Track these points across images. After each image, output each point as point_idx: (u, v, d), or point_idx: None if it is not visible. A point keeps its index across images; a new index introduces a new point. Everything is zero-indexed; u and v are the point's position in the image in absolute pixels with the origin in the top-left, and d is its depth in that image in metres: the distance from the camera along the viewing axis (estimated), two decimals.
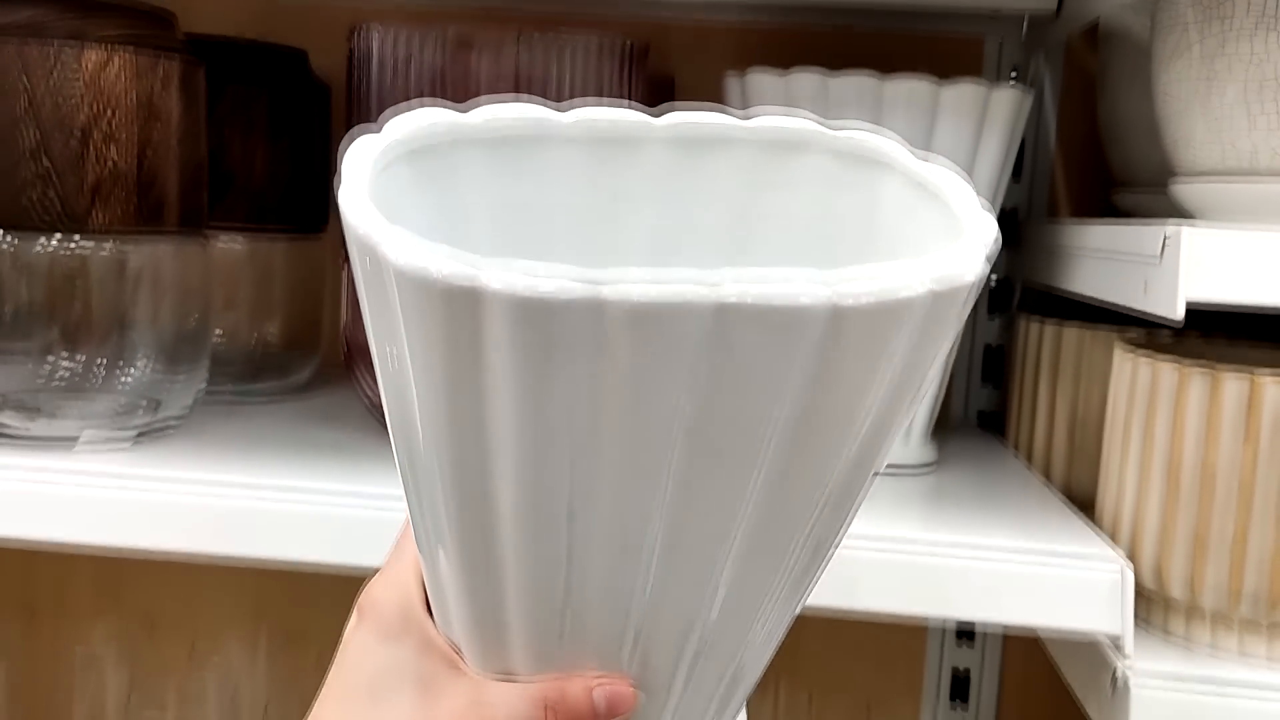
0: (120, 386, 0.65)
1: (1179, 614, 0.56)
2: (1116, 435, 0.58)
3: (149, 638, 0.93)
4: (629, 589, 0.31)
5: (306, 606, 0.95)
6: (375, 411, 0.67)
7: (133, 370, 0.66)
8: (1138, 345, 0.59)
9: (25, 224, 0.60)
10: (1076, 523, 0.59)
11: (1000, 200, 0.66)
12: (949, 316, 0.29)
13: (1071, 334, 0.72)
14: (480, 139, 0.35)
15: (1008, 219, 0.85)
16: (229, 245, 0.77)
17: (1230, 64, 0.53)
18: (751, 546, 0.31)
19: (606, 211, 0.38)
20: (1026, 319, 0.77)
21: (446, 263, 0.25)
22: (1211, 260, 0.48)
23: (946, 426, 0.86)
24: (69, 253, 0.62)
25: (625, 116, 0.37)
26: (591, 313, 0.25)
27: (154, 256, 0.66)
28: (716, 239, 0.38)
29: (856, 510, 0.33)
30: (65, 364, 0.65)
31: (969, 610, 0.52)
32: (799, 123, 0.37)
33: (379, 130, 0.33)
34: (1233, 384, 0.52)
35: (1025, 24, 0.82)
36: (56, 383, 0.64)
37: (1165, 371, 0.54)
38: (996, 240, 0.30)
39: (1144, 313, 0.52)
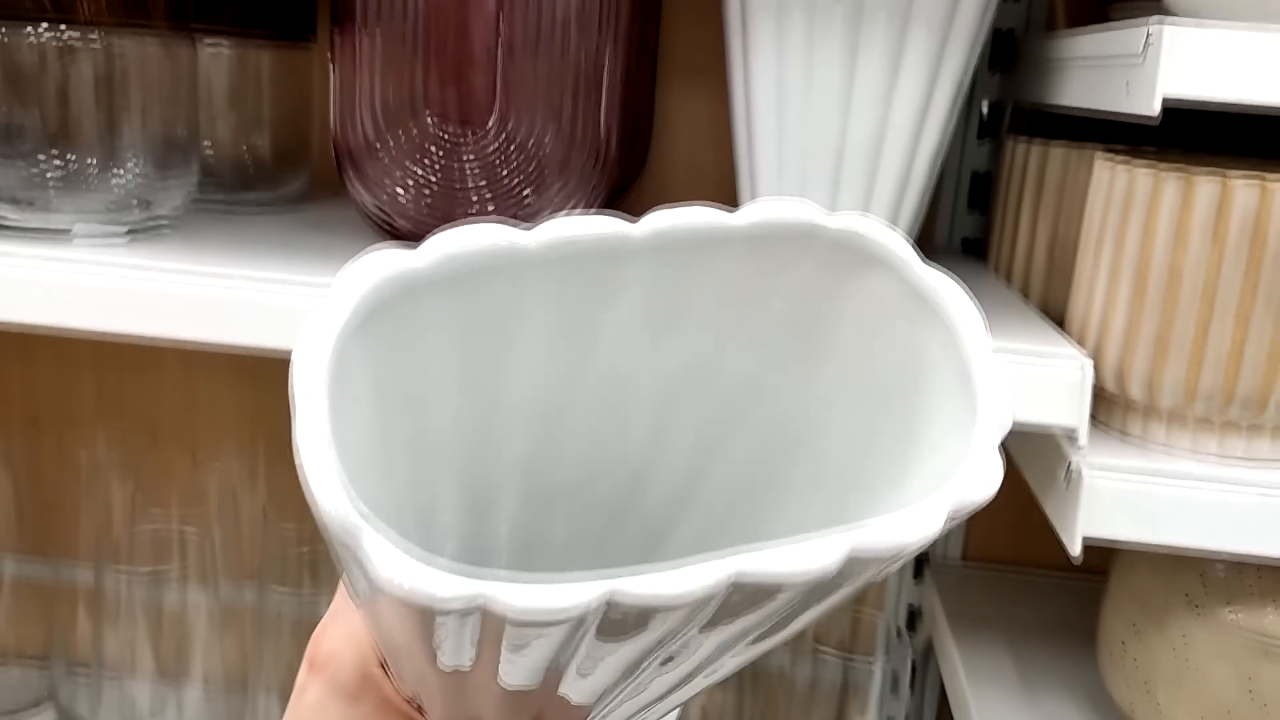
0: (112, 186, 0.66)
1: (1137, 415, 0.58)
2: (1090, 243, 0.59)
3: (151, 446, 0.96)
4: None
5: None
6: (367, 218, 0.68)
7: (123, 171, 0.67)
8: (1119, 156, 0.59)
9: (12, 10, 0.60)
10: (1043, 327, 0.60)
11: (990, 20, 0.65)
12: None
13: (1058, 153, 0.72)
14: (435, 281, 0.31)
15: (1004, 39, 0.84)
16: (215, 51, 0.77)
17: None
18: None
19: (581, 313, 0.34)
20: (1014, 140, 0.77)
21: (439, 584, 0.23)
22: (1192, 57, 0.48)
23: (929, 253, 0.86)
24: (59, 44, 0.62)
25: (600, 229, 0.32)
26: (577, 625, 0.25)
27: (141, 55, 0.66)
28: (693, 329, 0.35)
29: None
30: (57, 162, 0.66)
31: None
32: (796, 212, 0.33)
33: None
34: (1205, 187, 0.53)
35: None
36: (50, 180, 0.65)
37: (1141, 177, 0.55)
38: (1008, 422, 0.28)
39: (1126, 115, 0.53)
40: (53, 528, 0.99)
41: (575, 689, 0.29)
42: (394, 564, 0.23)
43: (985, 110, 0.86)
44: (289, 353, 0.28)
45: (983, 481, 0.26)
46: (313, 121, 0.84)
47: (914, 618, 0.95)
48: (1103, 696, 0.72)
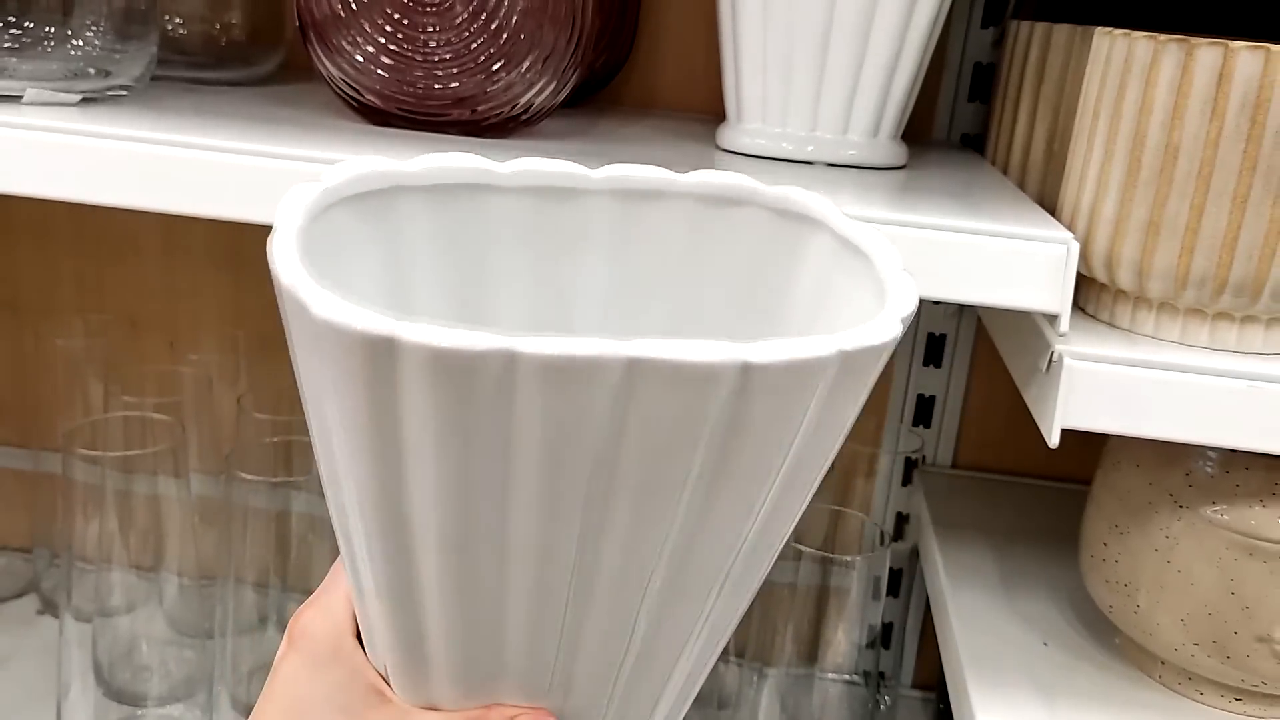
0: (69, 53, 0.63)
1: (1126, 304, 0.56)
2: (1085, 120, 0.56)
3: (129, 335, 0.95)
4: (550, 628, 0.33)
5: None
6: (335, 92, 0.65)
7: (80, 41, 0.64)
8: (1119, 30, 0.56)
9: None
10: (1029, 210, 0.58)
11: None
12: (863, 372, 0.31)
13: (1061, 35, 0.69)
14: (420, 185, 0.37)
15: None
16: None
17: None
18: (669, 590, 0.33)
19: (552, 255, 0.39)
20: (1017, 24, 0.73)
21: (366, 317, 0.26)
22: None
23: (926, 148, 0.83)
24: None
25: (564, 168, 0.39)
26: (505, 365, 0.26)
27: None
28: (662, 286, 0.41)
29: (774, 556, 0.35)
30: (14, 31, 0.63)
31: (923, 288, 0.52)
32: (736, 178, 0.39)
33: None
34: (1206, 55, 0.49)
35: None
36: (6, 46, 0.62)
37: (1140, 45, 0.52)
38: (914, 307, 0.32)
39: None
40: (34, 416, 0.98)
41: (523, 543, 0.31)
42: (326, 302, 0.26)
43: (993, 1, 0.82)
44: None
45: (884, 329, 0.30)
46: (288, 2, 0.81)
47: (902, 525, 0.94)
48: (1082, 599, 0.70)
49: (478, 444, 0.28)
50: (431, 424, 0.27)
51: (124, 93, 0.65)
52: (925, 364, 0.90)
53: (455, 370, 0.26)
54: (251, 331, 0.95)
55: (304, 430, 0.81)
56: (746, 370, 0.27)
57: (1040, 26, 0.70)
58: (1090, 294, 0.58)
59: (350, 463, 0.30)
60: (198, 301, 0.97)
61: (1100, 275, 0.55)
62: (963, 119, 0.85)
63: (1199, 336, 0.54)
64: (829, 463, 0.35)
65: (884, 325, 0.30)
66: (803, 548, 0.82)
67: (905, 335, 0.89)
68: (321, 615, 0.37)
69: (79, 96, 0.61)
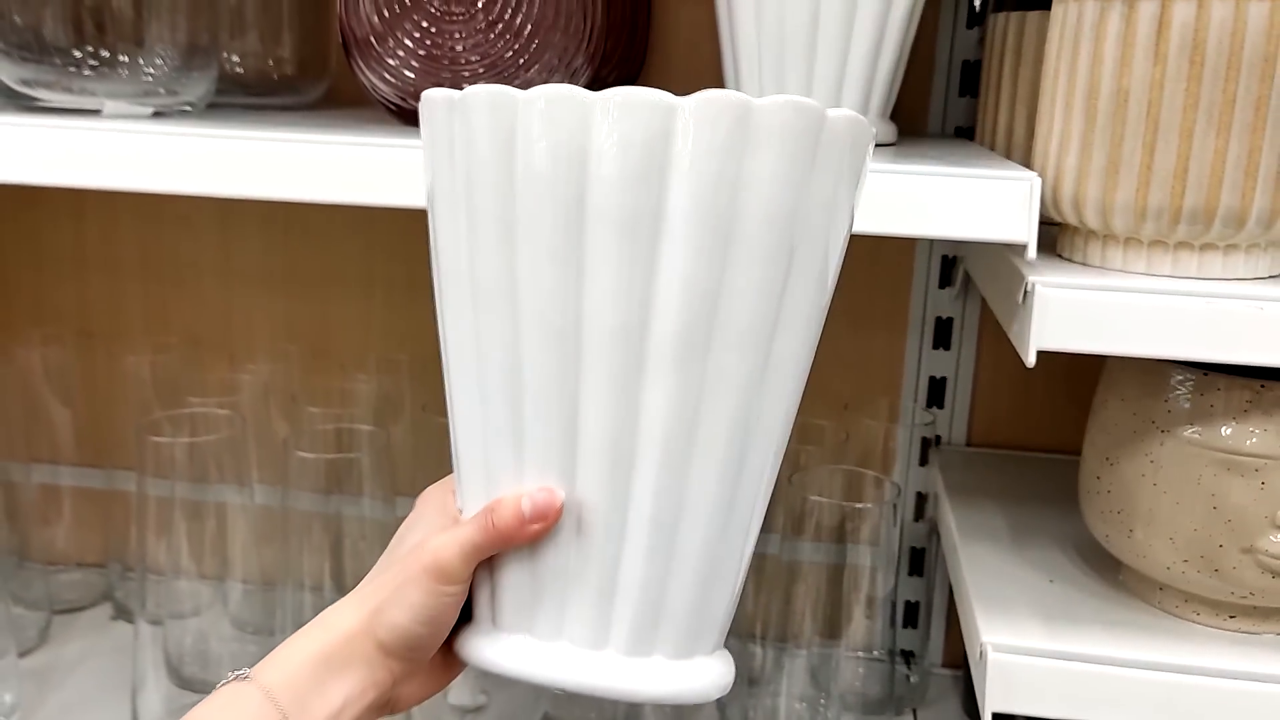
0: (142, 78, 0.71)
1: (1096, 243, 0.61)
2: (1048, 82, 0.62)
3: (192, 355, 1.03)
4: (554, 397, 0.42)
5: (333, 327, 1.03)
6: (377, 100, 0.73)
7: (151, 68, 0.72)
8: None
9: None
10: (1004, 162, 0.63)
11: None
12: (796, 132, 0.39)
13: (1034, 20, 0.75)
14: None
15: None
16: None
17: None
18: (675, 353, 0.41)
19: None
20: (995, 17, 0.80)
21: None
22: None
23: (921, 136, 0.89)
24: None
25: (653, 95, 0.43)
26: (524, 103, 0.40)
27: None
28: None
29: (793, 380, 0.46)
30: (92, 61, 0.71)
31: (904, 226, 0.57)
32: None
33: None
34: (1146, 6, 0.55)
35: None
36: (86, 73, 0.70)
37: (1089, 6, 0.58)
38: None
39: None
40: (107, 437, 1.06)
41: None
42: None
43: (976, 3, 0.88)
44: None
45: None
46: (332, 37, 0.89)
47: (922, 505, 0.98)
48: (1088, 545, 0.74)
49: (481, 178, 0.40)
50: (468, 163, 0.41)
51: (189, 108, 0.73)
52: (935, 347, 0.95)
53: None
54: (305, 347, 1.02)
55: (355, 443, 0.86)
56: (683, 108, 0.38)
57: (1015, 16, 0.76)
58: (1064, 239, 0.64)
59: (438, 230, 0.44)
60: (253, 320, 1.05)
61: (1070, 217, 0.61)
62: (955, 113, 0.91)
63: (1163, 266, 0.59)
64: (830, 253, 0.44)
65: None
66: (821, 524, 0.86)
67: (915, 319, 0.95)
68: (437, 485, 0.51)
69: (151, 110, 0.69)
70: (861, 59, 0.70)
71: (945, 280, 0.94)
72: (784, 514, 0.81)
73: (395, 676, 0.48)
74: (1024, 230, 0.56)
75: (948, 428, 0.97)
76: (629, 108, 0.37)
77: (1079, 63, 0.59)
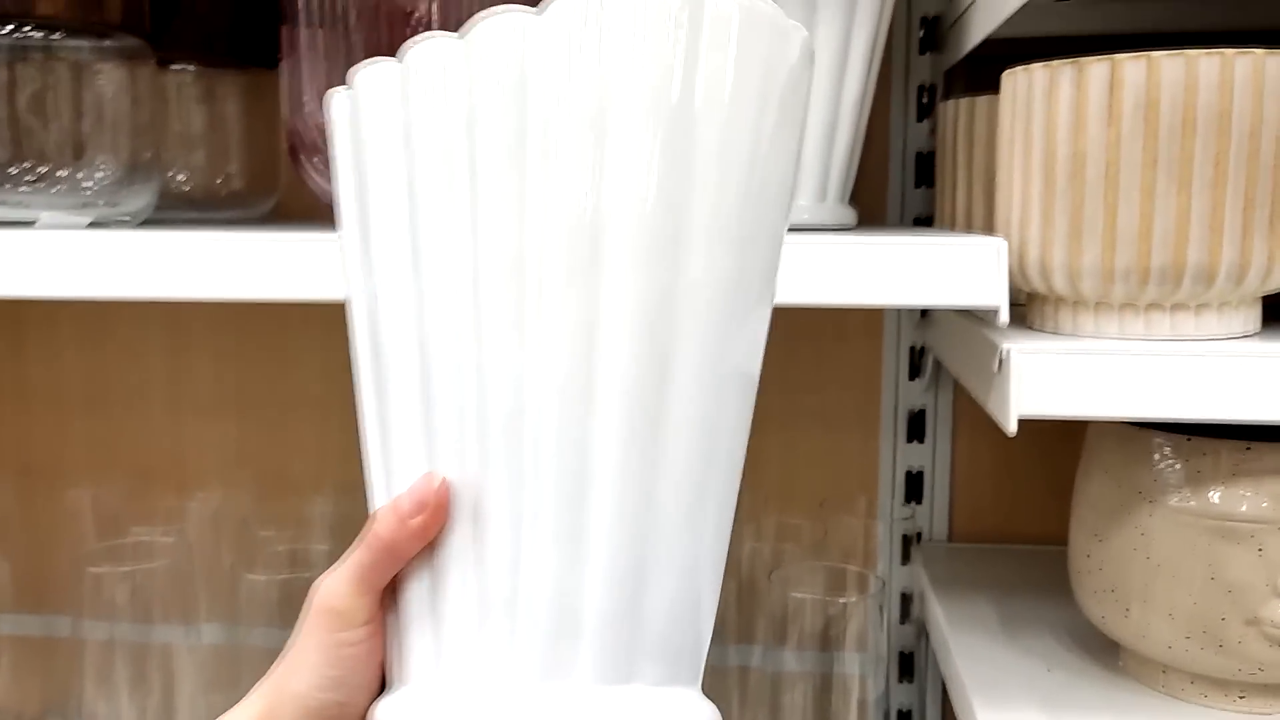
0: (80, 190, 0.70)
1: (1066, 310, 0.59)
2: (1004, 154, 0.62)
3: (139, 488, 0.98)
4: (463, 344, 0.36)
5: (288, 451, 0.99)
6: (327, 199, 0.71)
7: (91, 181, 0.71)
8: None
9: None
10: (969, 234, 0.62)
11: None
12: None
13: (984, 103, 0.75)
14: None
15: (930, 26, 0.88)
16: (181, 76, 0.82)
17: None
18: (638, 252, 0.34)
19: None
20: (944, 104, 0.80)
21: None
22: None
23: (880, 226, 0.89)
24: (15, 43, 0.66)
25: None
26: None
27: (112, 80, 0.70)
28: None
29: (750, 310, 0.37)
30: (28, 177, 0.70)
31: (874, 295, 0.56)
32: None
33: None
34: (1096, 69, 0.55)
35: None
36: (22, 185, 0.69)
37: (1038, 73, 0.58)
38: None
39: None
40: (46, 580, 1.00)
41: None
42: None
43: (925, 97, 0.89)
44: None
45: None
46: (281, 150, 0.88)
47: (908, 606, 0.94)
48: (1084, 630, 0.71)
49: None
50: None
51: (128, 219, 0.71)
52: (909, 440, 0.93)
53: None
54: (258, 473, 0.98)
55: (311, 564, 0.82)
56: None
57: (964, 102, 0.77)
58: (1033, 310, 0.62)
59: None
60: (205, 448, 1.01)
61: (1038, 285, 0.59)
62: (913, 204, 0.91)
63: (1135, 329, 0.57)
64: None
65: None
66: (804, 634, 0.82)
67: (887, 414, 0.93)
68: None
69: (88, 220, 0.67)
70: (815, 142, 0.69)
71: (915, 372, 0.93)
72: (765, 617, 0.78)
73: None
74: (995, 294, 0.54)
75: (928, 523, 0.94)
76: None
77: (1033, 130, 0.58)
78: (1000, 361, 0.56)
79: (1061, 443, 0.77)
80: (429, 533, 0.36)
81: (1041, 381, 0.54)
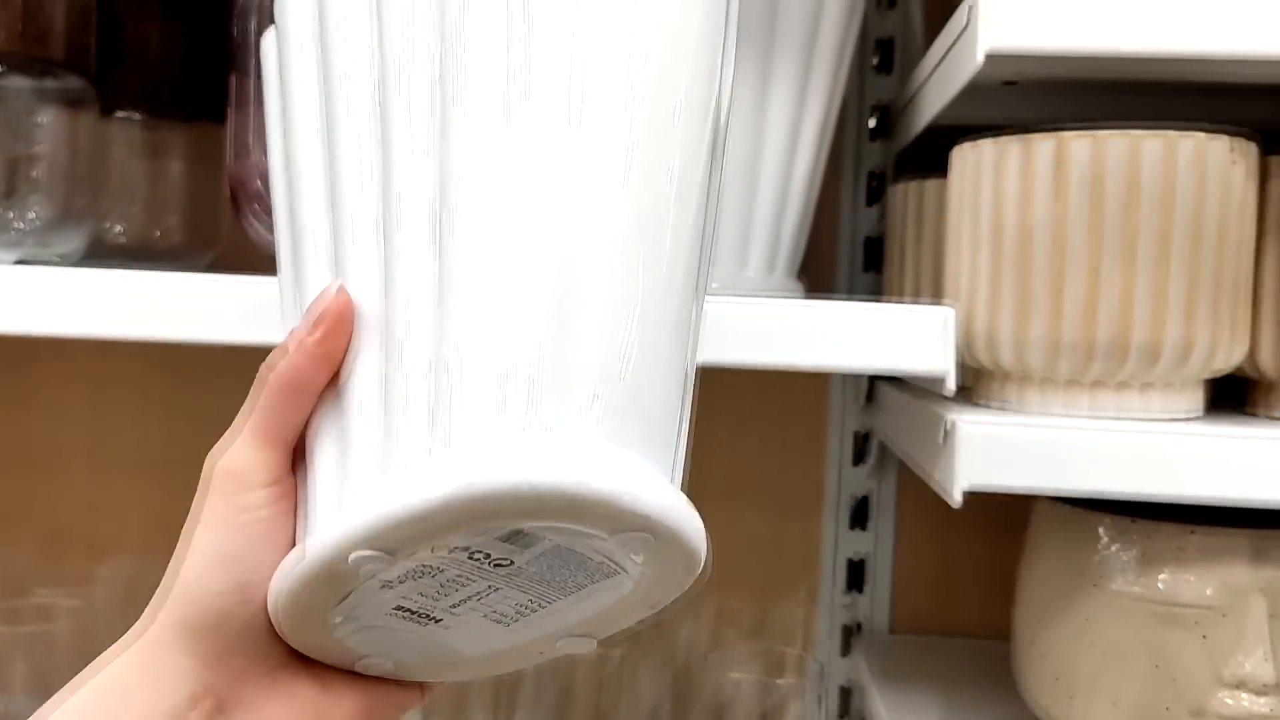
0: (10, 228, 0.67)
1: (1012, 385, 0.59)
2: (953, 228, 0.62)
3: (50, 545, 0.94)
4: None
5: None
6: (269, 251, 0.69)
7: (23, 222, 0.68)
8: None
9: None
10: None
11: (854, 41, 0.70)
12: None
13: (933, 186, 0.76)
14: None
15: (882, 111, 0.89)
16: (125, 123, 0.80)
17: None
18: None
19: None
20: (893, 186, 0.81)
21: None
22: (1008, 14, 0.52)
23: None
24: None
25: None
26: None
27: (48, 116, 0.69)
28: None
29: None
30: None
31: (823, 358, 0.55)
32: None
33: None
34: (1043, 145, 0.56)
35: None
36: None
37: (986, 148, 0.58)
38: None
39: (976, 79, 0.56)
40: None
41: None
42: None
43: (875, 183, 0.90)
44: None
45: None
46: (224, 204, 0.87)
47: (848, 699, 0.91)
48: (1024, 719, 0.69)
49: None
50: None
51: (57, 261, 0.68)
52: (852, 527, 0.92)
53: None
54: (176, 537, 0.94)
55: None
56: None
57: (914, 185, 0.77)
58: (979, 386, 0.62)
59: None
60: (123, 511, 0.96)
61: (984, 359, 0.59)
62: (860, 288, 0.91)
63: (1080, 406, 0.57)
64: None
65: None
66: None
67: (830, 499, 0.91)
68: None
69: (16, 257, 0.65)
70: (767, 212, 0.69)
71: (859, 457, 0.92)
72: (701, 702, 0.75)
73: (219, 695, 0.32)
74: (942, 361, 0.54)
75: (869, 611, 0.92)
76: None
77: (982, 203, 0.58)
78: (946, 433, 0.55)
79: (1005, 534, 0.76)
80: (332, 353, 0.31)
81: (988, 453, 0.53)
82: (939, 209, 0.75)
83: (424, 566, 0.32)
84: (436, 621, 0.34)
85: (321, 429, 0.33)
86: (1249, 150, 0.56)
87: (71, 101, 0.70)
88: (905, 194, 0.78)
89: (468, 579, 0.33)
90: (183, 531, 0.33)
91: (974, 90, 0.61)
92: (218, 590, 0.32)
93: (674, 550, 0.31)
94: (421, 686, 0.38)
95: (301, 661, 0.35)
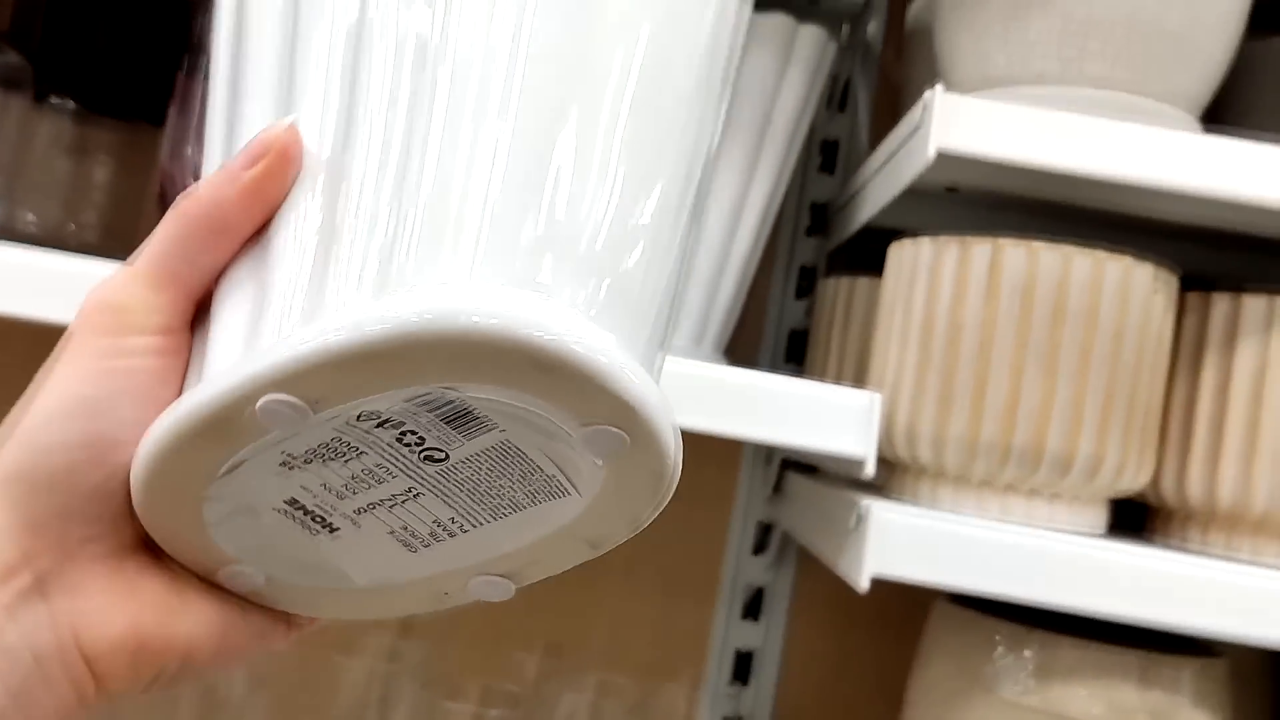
0: None
1: (926, 481, 0.59)
2: (884, 320, 0.63)
3: None
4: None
5: None
6: None
7: None
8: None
9: None
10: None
11: (804, 132, 0.72)
12: None
13: (864, 283, 0.77)
14: None
15: (819, 210, 0.91)
16: (57, 110, 0.77)
17: None
18: None
19: None
20: (824, 280, 0.82)
21: None
22: (960, 118, 0.54)
23: None
24: None
25: None
26: None
27: None
28: None
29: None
30: None
31: (747, 427, 0.55)
32: None
33: None
34: (979, 249, 0.57)
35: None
36: None
37: (925, 245, 0.59)
38: None
39: (920, 180, 0.57)
40: None
41: None
42: None
43: (805, 278, 0.92)
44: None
45: None
46: (147, 211, 0.84)
47: None
48: None
49: None
50: None
51: None
52: (744, 617, 0.91)
53: None
54: None
55: None
56: None
57: (845, 280, 0.79)
58: (894, 481, 0.62)
59: None
60: None
61: (902, 451, 0.59)
62: None
63: (991, 510, 0.58)
64: None
65: None
66: None
67: (725, 586, 0.90)
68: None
69: None
70: (701, 288, 0.69)
71: (760, 548, 0.91)
72: None
73: (41, 571, 0.26)
74: (864, 444, 0.54)
75: (752, 706, 0.90)
76: None
77: (915, 298, 0.59)
78: (859, 518, 0.54)
79: (896, 637, 0.76)
80: (268, 193, 0.26)
81: (898, 543, 0.53)
82: (868, 307, 0.76)
83: (341, 442, 0.26)
84: (332, 531, 0.29)
85: (234, 284, 0.27)
86: (1171, 281, 0.59)
87: (6, 79, 0.68)
88: (836, 289, 0.80)
89: (387, 473, 0.27)
90: (37, 375, 0.27)
91: (915, 193, 0.63)
92: (67, 441, 0.25)
93: (646, 458, 0.26)
94: (290, 622, 0.31)
95: (153, 553, 0.28)
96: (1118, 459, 0.56)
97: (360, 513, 0.28)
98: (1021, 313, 0.56)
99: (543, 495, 0.28)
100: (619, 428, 0.25)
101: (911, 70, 0.85)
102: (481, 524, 0.29)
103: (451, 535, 0.29)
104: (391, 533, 0.29)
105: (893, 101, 0.88)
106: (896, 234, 0.71)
